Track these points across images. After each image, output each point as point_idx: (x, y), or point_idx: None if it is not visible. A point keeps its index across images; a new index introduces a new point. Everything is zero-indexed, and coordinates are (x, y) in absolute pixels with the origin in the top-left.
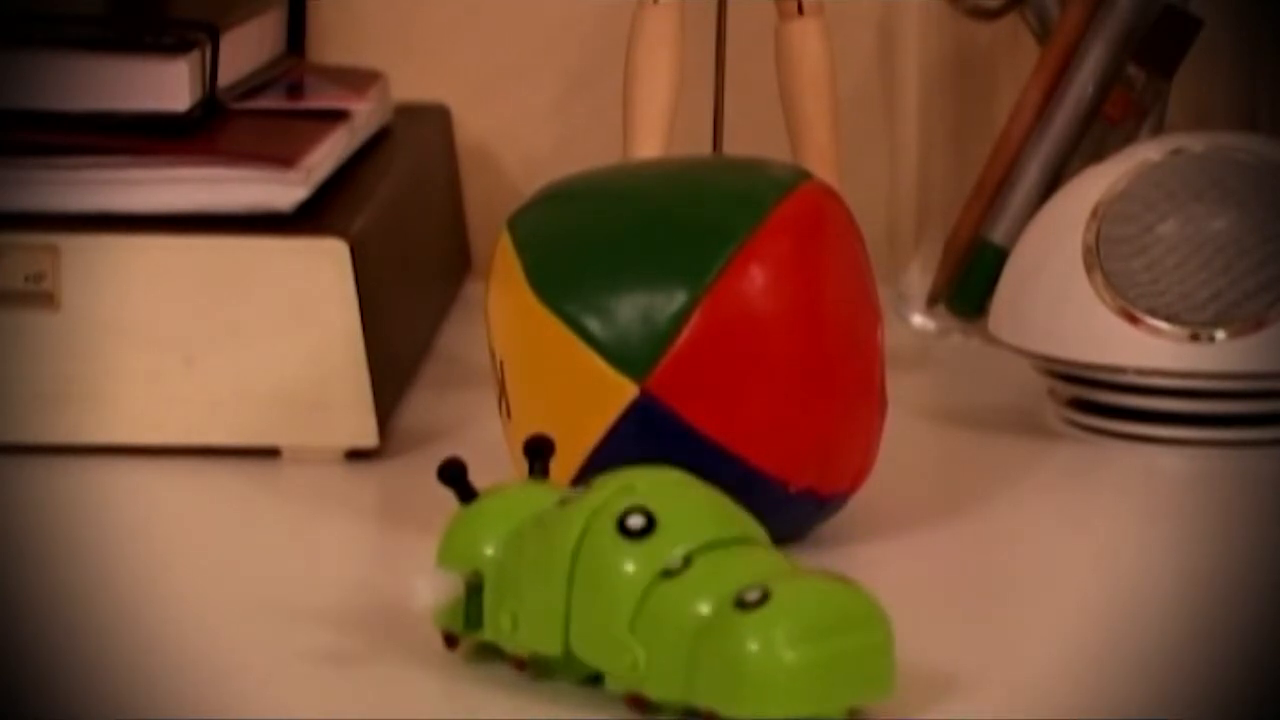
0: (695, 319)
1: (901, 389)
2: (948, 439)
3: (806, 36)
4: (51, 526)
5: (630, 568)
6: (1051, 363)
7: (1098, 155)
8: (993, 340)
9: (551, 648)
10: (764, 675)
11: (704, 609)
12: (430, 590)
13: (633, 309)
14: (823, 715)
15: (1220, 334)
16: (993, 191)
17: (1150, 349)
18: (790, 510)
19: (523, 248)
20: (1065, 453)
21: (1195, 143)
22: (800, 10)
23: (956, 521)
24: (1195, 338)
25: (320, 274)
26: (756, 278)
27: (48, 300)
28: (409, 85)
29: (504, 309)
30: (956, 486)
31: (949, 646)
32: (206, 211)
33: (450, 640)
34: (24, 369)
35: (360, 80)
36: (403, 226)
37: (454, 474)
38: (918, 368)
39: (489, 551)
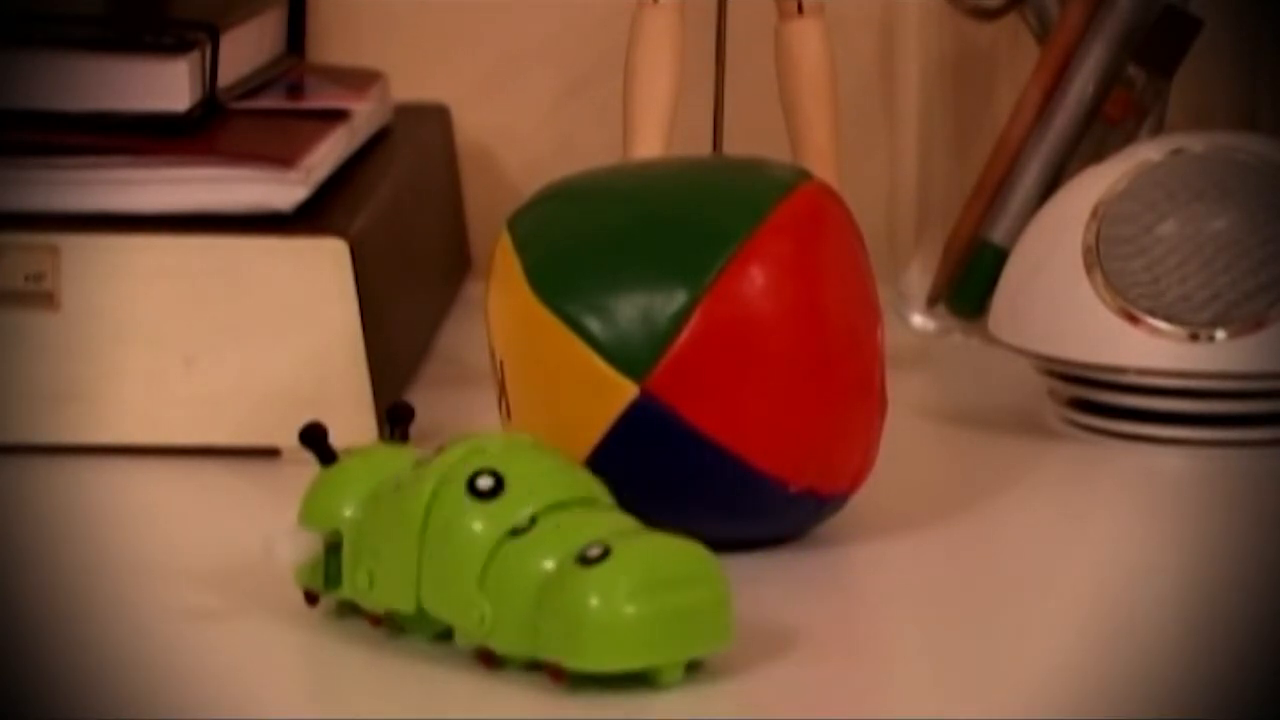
0: (695, 319)
1: (901, 389)
2: (948, 439)
3: (806, 36)
4: (51, 526)
5: (478, 526)
6: (1051, 363)
7: (1098, 155)
8: (993, 340)
9: (405, 605)
10: (604, 628)
11: (548, 565)
12: (290, 548)
13: (633, 309)
14: (661, 666)
15: (1220, 334)
16: (993, 191)
17: (1150, 349)
18: (790, 510)
19: (523, 248)
20: (1065, 453)
21: (1195, 143)
22: (800, 10)
23: (956, 521)
24: (1195, 338)
25: (320, 274)
26: (756, 278)
27: (48, 300)
28: (409, 85)
29: (504, 309)
30: (956, 486)
31: (949, 646)
32: (206, 211)
33: (310, 597)
34: (24, 369)
35: (360, 80)
36: (403, 226)
37: (314, 437)
38: (918, 368)
39: (348, 512)
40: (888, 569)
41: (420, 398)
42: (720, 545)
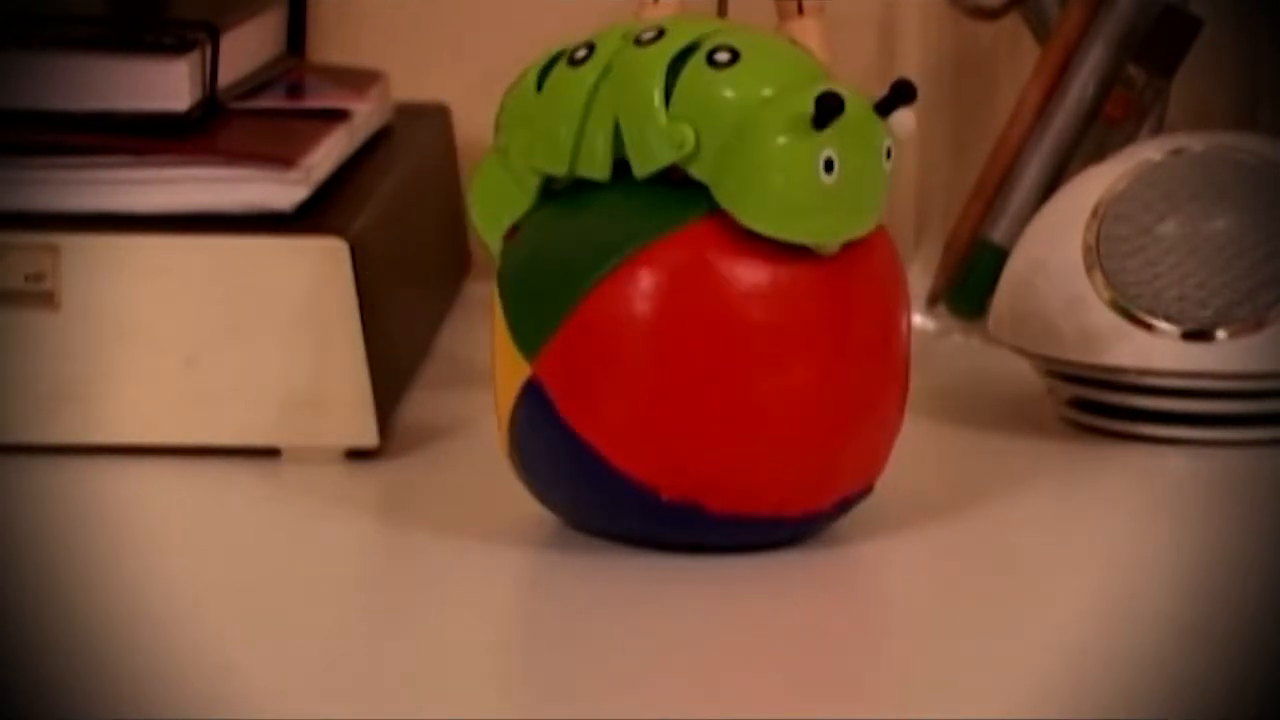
0: (583, 308)
1: None
2: (948, 439)
3: (806, 37)
4: (51, 526)
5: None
6: (1051, 363)
7: (1098, 155)
8: (993, 340)
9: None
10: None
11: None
12: None
13: (539, 288)
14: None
15: (1220, 334)
16: (993, 191)
17: (1150, 349)
18: (682, 522)
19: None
20: (1065, 453)
21: (1195, 143)
22: (800, 10)
23: (956, 521)
24: (1195, 338)
25: (320, 274)
26: (645, 280)
27: (48, 300)
28: (409, 85)
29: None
30: (956, 486)
31: (949, 646)
32: (206, 211)
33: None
34: (24, 369)
35: (360, 80)
36: (403, 226)
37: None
38: (918, 368)
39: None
40: (887, 568)
41: (420, 398)
42: (723, 547)
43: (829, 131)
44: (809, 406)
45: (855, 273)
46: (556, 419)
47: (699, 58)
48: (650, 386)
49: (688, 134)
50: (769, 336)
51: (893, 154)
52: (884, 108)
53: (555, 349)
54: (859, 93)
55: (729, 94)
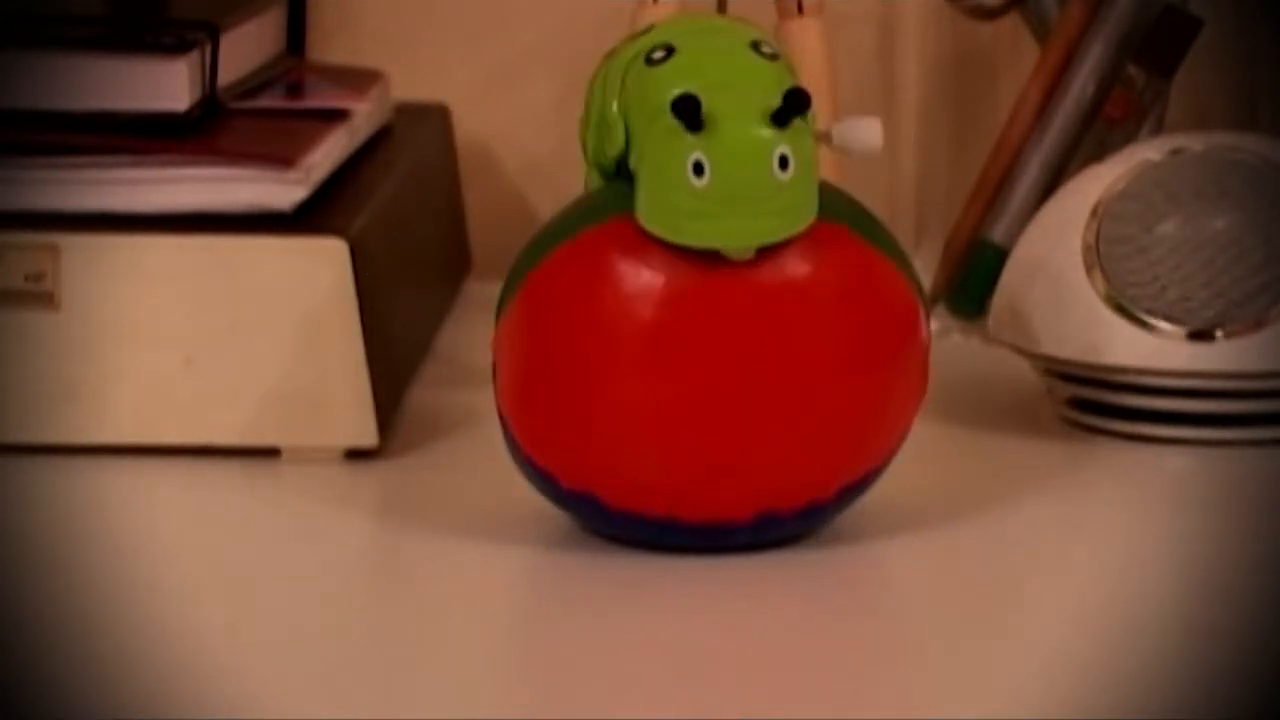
0: (517, 296)
1: None
2: (947, 439)
3: (806, 36)
4: (51, 526)
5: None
6: (1051, 363)
7: (1098, 155)
8: (993, 340)
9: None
10: None
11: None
12: None
13: (510, 274)
14: None
15: (1220, 334)
16: (993, 191)
17: (1150, 349)
18: (587, 511)
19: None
20: (1065, 452)
21: (1195, 143)
22: (800, 10)
23: (956, 521)
24: (1195, 338)
25: (320, 274)
26: (553, 274)
27: (48, 300)
28: (409, 85)
29: None
30: (956, 486)
31: (947, 646)
32: (206, 211)
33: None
34: (24, 369)
35: (360, 80)
36: (403, 226)
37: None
38: None
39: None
40: (886, 568)
41: (420, 398)
42: (713, 549)
43: (702, 135)
44: (695, 412)
45: (775, 280)
46: (498, 399)
47: (641, 56)
48: (547, 378)
49: (619, 130)
50: (654, 338)
51: (790, 164)
52: (780, 117)
53: (499, 334)
54: (755, 99)
55: (647, 92)
